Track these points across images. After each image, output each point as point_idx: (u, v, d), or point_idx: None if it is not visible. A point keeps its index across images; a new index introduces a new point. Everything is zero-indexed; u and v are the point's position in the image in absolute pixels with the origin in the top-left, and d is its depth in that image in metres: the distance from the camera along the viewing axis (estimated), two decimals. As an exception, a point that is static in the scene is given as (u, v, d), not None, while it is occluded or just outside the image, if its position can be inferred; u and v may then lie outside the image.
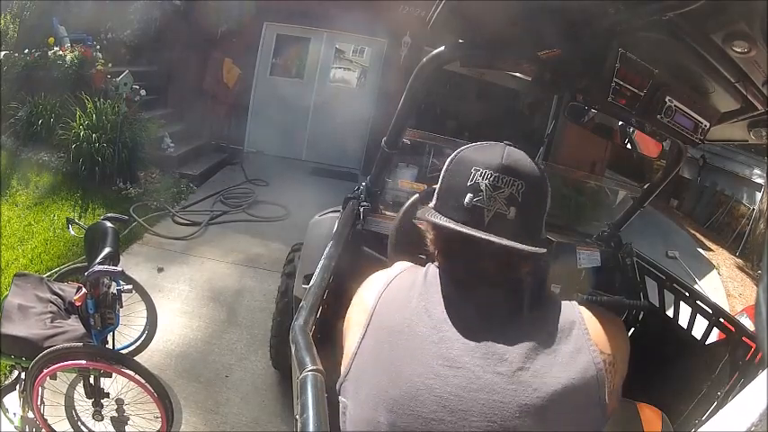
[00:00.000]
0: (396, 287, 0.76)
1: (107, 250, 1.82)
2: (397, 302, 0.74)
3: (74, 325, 1.83)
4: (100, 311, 1.77)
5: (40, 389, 1.71)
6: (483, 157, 0.73)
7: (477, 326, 0.68)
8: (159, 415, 1.78)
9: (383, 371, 0.68)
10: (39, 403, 1.73)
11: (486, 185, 0.70)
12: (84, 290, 1.73)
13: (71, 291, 1.95)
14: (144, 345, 2.30)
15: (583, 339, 0.68)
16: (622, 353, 0.72)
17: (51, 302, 1.90)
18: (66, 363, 1.68)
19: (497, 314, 0.70)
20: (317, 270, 1.23)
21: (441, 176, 0.77)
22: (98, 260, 1.74)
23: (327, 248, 1.36)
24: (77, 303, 1.77)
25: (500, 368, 0.64)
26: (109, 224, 2.01)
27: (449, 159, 0.77)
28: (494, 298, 0.71)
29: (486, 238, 0.68)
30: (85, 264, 1.91)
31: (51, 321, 1.81)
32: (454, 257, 0.75)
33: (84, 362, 1.69)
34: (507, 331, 0.67)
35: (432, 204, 0.78)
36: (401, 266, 0.82)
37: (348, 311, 0.80)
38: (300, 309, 1.02)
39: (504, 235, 0.69)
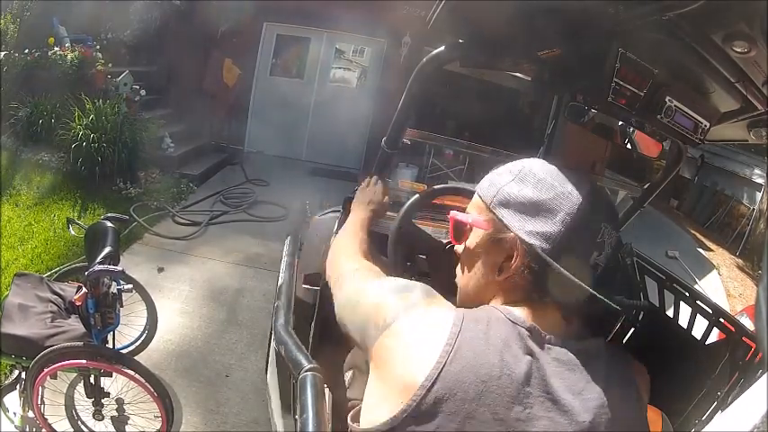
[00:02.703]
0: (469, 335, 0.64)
1: (107, 250, 1.82)
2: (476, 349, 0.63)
3: (74, 324, 1.83)
4: (100, 311, 1.77)
5: (40, 388, 1.71)
6: (605, 211, 0.71)
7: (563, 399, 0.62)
8: (159, 414, 1.78)
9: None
10: (39, 403, 1.73)
11: (608, 244, 0.69)
12: (84, 289, 1.74)
13: (71, 290, 1.95)
14: (144, 344, 2.30)
15: (638, 395, 0.71)
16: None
17: (51, 302, 1.90)
18: (66, 362, 1.68)
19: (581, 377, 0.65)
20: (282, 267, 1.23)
21: (567, 216, 0.66)
22: (98, 260, 1.74)
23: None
24: (78, 303, 1.77)
25: None
26: (109, 224, 2.02)
27: (579, 198, 0.67)
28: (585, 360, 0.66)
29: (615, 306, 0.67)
30: (85, 264, 1.91)
31: (52, 321, 1.81)
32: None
33: (84, 361, 1.69)
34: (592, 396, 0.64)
35: (542, 244, 0.66)
36: (454, 314, 0.67)
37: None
38: (277, 308, 1.01)
39: (600, 289, 0.67)
